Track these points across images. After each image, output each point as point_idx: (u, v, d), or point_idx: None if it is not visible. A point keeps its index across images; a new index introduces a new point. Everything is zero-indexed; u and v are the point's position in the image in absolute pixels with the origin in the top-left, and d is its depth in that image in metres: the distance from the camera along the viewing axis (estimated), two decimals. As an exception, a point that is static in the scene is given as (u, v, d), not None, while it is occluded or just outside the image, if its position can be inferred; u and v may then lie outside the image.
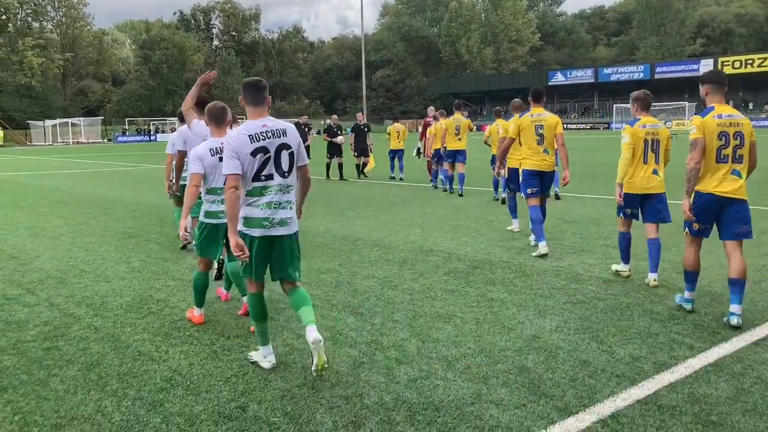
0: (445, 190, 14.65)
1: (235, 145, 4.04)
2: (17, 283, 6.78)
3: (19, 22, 79.33)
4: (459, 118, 13.92)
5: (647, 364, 4.25)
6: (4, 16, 77.09)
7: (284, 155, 4.16)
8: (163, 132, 65.34)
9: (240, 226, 4.12)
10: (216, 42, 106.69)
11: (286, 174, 4.17)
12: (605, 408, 3.62)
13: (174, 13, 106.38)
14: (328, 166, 18.70)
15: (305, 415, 3.60)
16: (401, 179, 17.89)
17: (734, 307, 5.05)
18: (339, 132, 18.57)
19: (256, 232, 4.13)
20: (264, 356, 4.35)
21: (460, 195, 13.82)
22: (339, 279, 6.66)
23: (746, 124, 5.17)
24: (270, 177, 4.12)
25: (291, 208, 4.23)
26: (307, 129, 18.06)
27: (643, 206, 6.32)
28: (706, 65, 69.88)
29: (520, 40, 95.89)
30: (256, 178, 4.10)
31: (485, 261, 7.36)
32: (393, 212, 11.50)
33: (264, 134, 4.10)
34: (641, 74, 74.86)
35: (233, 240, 4.00)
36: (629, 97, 6.59)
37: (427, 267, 7.13)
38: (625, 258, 6.60)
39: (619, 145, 6.38)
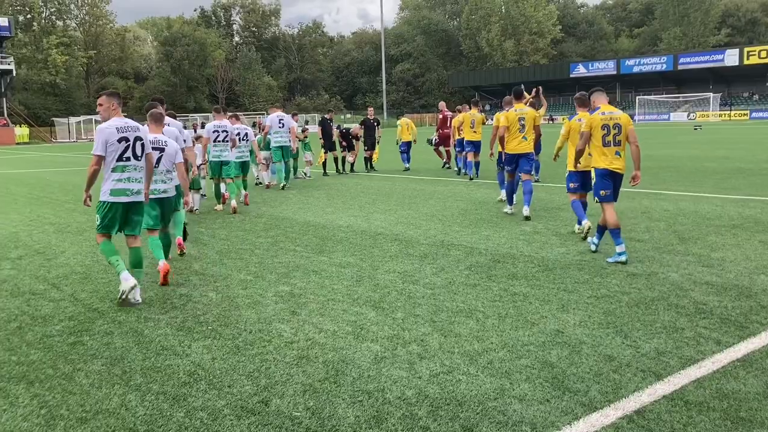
0: (469, 177, 15.72)
1: (107, 134, 5.63)
2: (43, 278, 6.88)
3: (43, 21, 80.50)
4: (474, 113, 15.46)
5: (673, 359, 4.19)
6: (29, 15, 78.31)
7: (138, 144, 5.82)
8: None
9: (106, 197, 5.68)
10: (236, 38, 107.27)
11: (139, 158, 5.84)
12: (630, 403, 3.57)
13: (195, 10, 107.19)
14: (343, 159, 19.12)
15: (327, 410, 3.60)
16: (408, 168, 19.36)
17: (620, 248, 6.74)
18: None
19: (120, 199, 5.71)
20: (125, 279, 5.66)
21: (471, 179, 15.41)
22: (360, 273, 6.66)
23: (623, 117, 6.97)
24: (128, 159, 5.75)
25: (141, 182, 5.87)
26: (330, 122, 19.03)
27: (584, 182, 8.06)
28: (731, 55, 68.74)
29: (540, 32, 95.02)
30: (120, 158, 5.69)
31: (507, 255, 7.31)
32: (413, 206, 11.47)
33: (126, 128, 5.75)
34: (664, 65, 73.48)
35: (85, 196, 5.83)
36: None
37: (448, 261, 7.10)
38: (582, 216, 8.09)
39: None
